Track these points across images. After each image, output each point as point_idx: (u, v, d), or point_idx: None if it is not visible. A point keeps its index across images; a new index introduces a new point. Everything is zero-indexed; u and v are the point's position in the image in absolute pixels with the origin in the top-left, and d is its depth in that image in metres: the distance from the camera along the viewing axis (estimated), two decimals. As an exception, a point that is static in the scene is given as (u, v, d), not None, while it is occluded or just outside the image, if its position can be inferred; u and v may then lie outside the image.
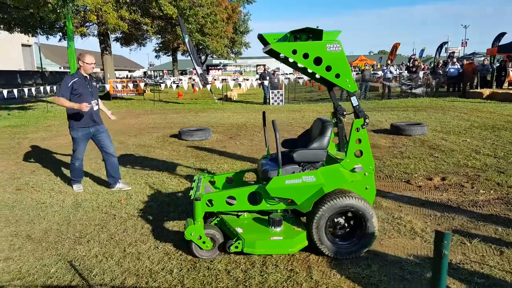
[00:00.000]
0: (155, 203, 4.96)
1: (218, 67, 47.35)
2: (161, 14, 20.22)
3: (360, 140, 3.50)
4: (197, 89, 27.65)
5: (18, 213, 4.77)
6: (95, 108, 5.28)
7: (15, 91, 15.75)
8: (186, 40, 18.39)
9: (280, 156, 3.44)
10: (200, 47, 34.46)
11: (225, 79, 24.82)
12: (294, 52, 3.27)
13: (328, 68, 3.33)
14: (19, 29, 18.73)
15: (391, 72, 20.04)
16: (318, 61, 3.32)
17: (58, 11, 11.42)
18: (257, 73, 47.20)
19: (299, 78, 21.37)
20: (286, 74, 23.48)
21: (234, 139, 9.25)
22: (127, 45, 34.69)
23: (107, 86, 21.27)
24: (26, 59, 46.46)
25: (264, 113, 4.41)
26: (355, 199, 3.32)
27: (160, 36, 32.92)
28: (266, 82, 18.71)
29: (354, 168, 3.49)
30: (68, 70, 39.49)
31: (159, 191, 5.46)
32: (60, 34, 22.82)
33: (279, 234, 3.50)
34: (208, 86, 19.11)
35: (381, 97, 19.47)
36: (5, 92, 15.03)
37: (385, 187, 5.42)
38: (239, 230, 3.54)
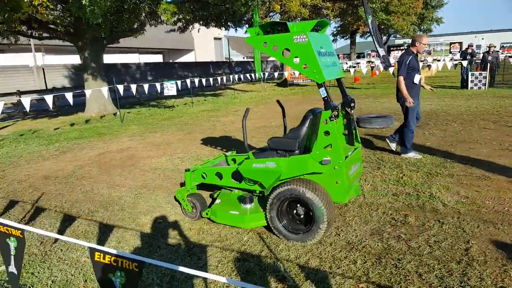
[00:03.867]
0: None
1: (401, 48, 43.24)
2: (344, -5, 20.01)
3: (328, 133, 3.40)
4: (376, 72, 26.34)
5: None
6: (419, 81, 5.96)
7: (210, 79, 18.05)
8: (370, 20, 17.48)
9: (246, 141, 3.97)
10: (382, 27, 32.19)
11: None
12: (265, 44, 3.52)
13: (296, 59, 3.43)
14: (213, 24, 21.20)
15: None
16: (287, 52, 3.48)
17: (249, 4, 12.49)
18: (450, 52, 42.25)
19: (510, 57, 17.82)
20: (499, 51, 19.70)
21: (422, 128, 8.31)
22: (305, 32, 35.70)
23: (285, 74, 22.41)
24: (217, 51, 52.60)
25: (278, 101, 4.76)
26: (305, 188, 3.38)
27: (339, 19, 32.77)
28: (464, 63, 16.24)
29: (322, 161, 3.43)
30: (251, 60, 42.94)
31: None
32: (247, 26, 24.96)
33: (239, 210, 3.90)
34: (391, 69, 17.79)
35: None
36: (203, 80, 17.35)
37: None
38: (218, 201, 4.16)
